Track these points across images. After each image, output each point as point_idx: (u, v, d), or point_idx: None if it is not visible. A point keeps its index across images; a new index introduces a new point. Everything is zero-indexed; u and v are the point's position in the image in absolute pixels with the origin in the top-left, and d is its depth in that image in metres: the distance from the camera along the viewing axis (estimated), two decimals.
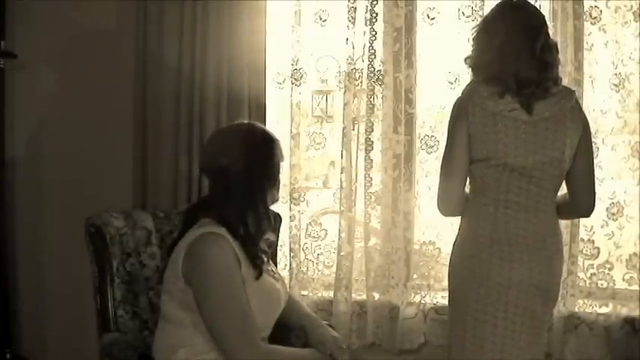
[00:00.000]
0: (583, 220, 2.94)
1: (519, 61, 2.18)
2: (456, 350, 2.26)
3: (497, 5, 2.33)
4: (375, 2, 3.00)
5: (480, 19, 2.87)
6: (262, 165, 2.20)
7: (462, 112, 2.21)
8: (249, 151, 2.18)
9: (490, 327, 2.19)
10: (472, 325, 2.20)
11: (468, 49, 2.88)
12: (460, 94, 2.28)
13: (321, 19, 3.06)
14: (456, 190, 2.24)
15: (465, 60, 2.33)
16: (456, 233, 2.35)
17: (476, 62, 2.29)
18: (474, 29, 2.33)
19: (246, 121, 2.36)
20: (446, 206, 2.30)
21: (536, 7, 2.37)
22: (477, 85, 2.24)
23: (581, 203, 2.33)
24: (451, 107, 2.28)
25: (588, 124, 2.31)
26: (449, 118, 2.28)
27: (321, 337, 2.32)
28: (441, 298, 3.08)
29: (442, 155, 2.29)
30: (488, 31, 2.25)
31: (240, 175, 2.16)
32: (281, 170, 2.28)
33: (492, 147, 2.18)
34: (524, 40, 2.20)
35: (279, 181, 2.28)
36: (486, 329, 2.19)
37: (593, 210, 2.38)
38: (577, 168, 2.26)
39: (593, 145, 2.44)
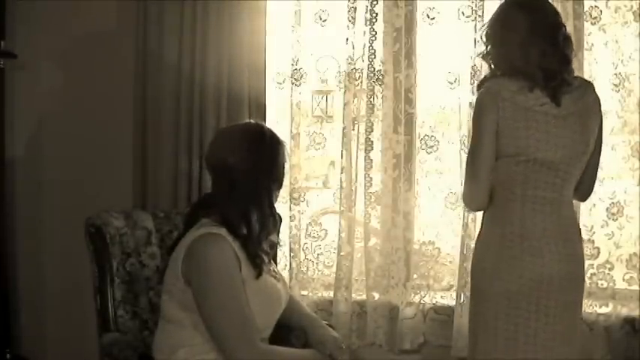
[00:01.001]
0: (583, 220, 2.93)
1: (545, 54, 2.17)
2: (485, 347, 2.24)
3: (510, 0, 2.31)
4: (375, 2, 3.00)
5: (478, 18, 2.89)
6: (269, 166, 2.20)
7: (490, 106, 2.18)
8: (256, 150, 2.18)
9: (523, 320, 2.19)
10: (505, 320, 2.20)
11: (468, 48, 2.90)
12: (482, 89, 2.25)
13: (321, 19, 3.06)
14: (484, 186, 2.22)
15: (483, 56, 2.30)
16: (479, 230, 2.35)
17: (498, 57, 2.25)
18: (485, 26, 2.31)
19: (254, 121, 2.35)
20: (474, 202, 2.30)
21: (548, 0, 2.35)
22: (501, 80, 2.21)
23: (583, 190, 2.35)
24: (476, 101, 2.25)
25: (602, 117, 2.33)
26: (474, 114, 2.26)
27: (321, 338, 2.32)
28: (441, 298, 3.09)
29: (468, 151, 2.29)
30: (508, 25, 2.22)
31: (246, 174, 2.15)
32: (285, 173, 2.29)
33: (523, 142, 2.17)
34: (547, 33, 2.19)
35: (282, 183, 2.28)
36: (519, 322, 2.19)
37: (588, 197, 2.43)
38: (591, 158, 2.28)
39: None
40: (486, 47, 2.29)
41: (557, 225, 2.23)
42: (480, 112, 2.22)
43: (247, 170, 2.16)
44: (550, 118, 2.17)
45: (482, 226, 2.34)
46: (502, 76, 2.23)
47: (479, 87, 2.31)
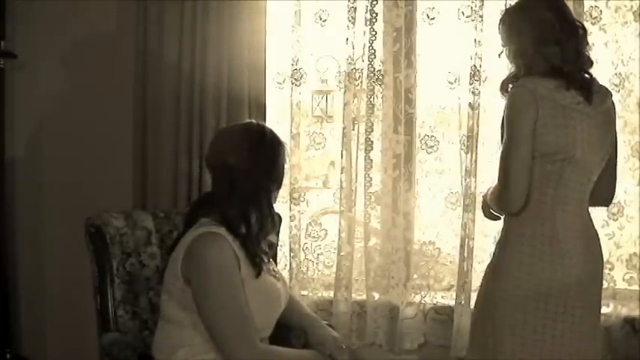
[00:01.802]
0: None
1: (579, 53, 2.19)
2: (513, 345, 2.21)
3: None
4: (375, 2, 3.00)
5: (478, 18, 2.88)
6: (269, 166, 2.20)
7: (529, 104, 2.14)
8: (257, 151, 2.18)
9: (551, 322, 2.18)
10: (532, 322, 2.19)
11: (468, 48, 2.89)
12: (517, 87, 2.19)
13: (321, 19, 3.06)
14: (524, 186, 2.16)
15: (510, 56, 2.26)
16: (503, 229, 2.29)
17: (529, 57, 2.21)
18: (504, 24, 2.27)
19: (255, 121, 2.35)
20: (513, 203, 2.19)
21: None
22: (535, 79, 2.18)
23: (603, 193, 2.35)
24: (511, 99, 2.19)
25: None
26: (509, 112, 2.18)
27: (321, 338, 2.32)
28: (441, 298, 3.08)
29: (502, 150, 2.20)
30: (539, 23, 2.19)
31: (246, 174, 2.15)
32: (285, 173, 2.29)
33: (562, 141, 2.15)
34: (575, 32, 2.21)
35: (282, 183, 2.28)
36: (548, 324, 2.18)
37: (612, 201, 2.42)
38: (609, 161, 2.29)
39: None
40: (508, 47, 2.26)
41: (581, 225, 2.24)
42: (517, 110, 2.16)
43: (247, 170, 2.16)
44: (585, 117, 2.17)
45: (506, 227, 2.28)
46: (534, 75, 2.19)
47: (503, 87, 2.27)
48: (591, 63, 2.24)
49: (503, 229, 2.31)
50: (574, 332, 2.20)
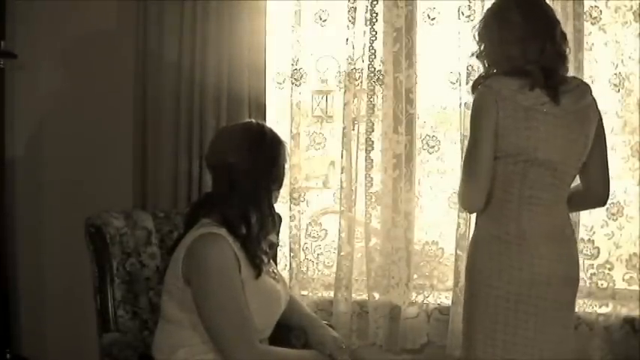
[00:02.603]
0: (583, 220, 2.94)
1: (544, 52, 2.16)
2: (484, 345, 2.22)
3: None
4: (375, 2, 3.00)
5: (479, 18, 2.88)
6: (269, 166, 2.19)
7: (489, 106, 2.14)
8: (257, 150, 2.18)
9: (522, 323, 2.18)
10: (504, 322, 2.18)
11: (469, 48, 2.88)
12: (482, 88, 2.20)
13: (321, 19, 3.06)
14: (483, 186, 2.18)
15: (478, 56, 2.28)
16: (474, 230, 2.31)
17: (496, 56, 2.23)
18: (479, 24, 2.28)
19: (254, 121, 2.35)
20: (471, 202, 2.24)
21: None
22: (501, 78, 2.18)
23: (598, 192, 2.33)
24: (474, 100, 2.21)
25: (601, 116, 2.30)
26: (472, 113, 2.21)
27: (321, 338, 2.31)
28: (444, 299, 3.08)
29: (465, 150, 2.25)
30: (505, 23, 2.20)
31: (246, 174, 2.15)
32: (286, 173, 2.29)
33: (524, 142, 2.14)
34: (545, 29, 2.18)
35: (282, 183, 2.28)
36: (519, 325, 2.17)
37: (607, 199, 2.39)
38: (594, 159, 2.26)
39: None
40: (480, 46, 2.27)
41: (553, 226, 2.21)
42: (479, 111, 2.19)
43: (247, 170, 2.15)
44: (550, 118, 2.15)
45: (476, 228, 2.31)
46: (501, 74, 2.20)
47: (474, 86, 2.27)
48: (562, 61, 2.20)
49: (474, 228, 2.32)
50: (546, 334, 2.19)
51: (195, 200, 2.56)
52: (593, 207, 2.39)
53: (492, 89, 2.16)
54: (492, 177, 2.19)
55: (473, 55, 2.32)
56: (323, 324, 2.40)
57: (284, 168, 2.26)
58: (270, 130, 2.27)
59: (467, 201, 2.26)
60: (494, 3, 2.31)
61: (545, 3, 2.28)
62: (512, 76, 2.16)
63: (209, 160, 2.28)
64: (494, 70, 2.24)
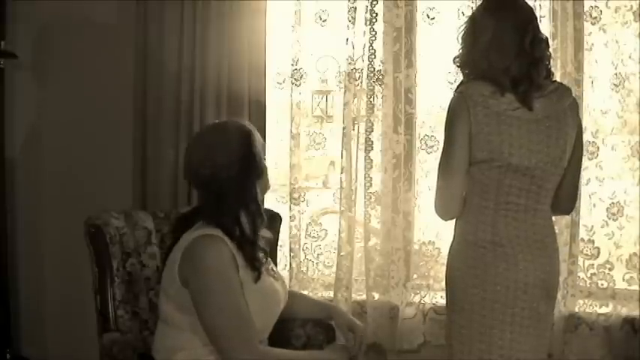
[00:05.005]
0: (583, 220, 2.94)
1: (508, 57, 2.13)
2: (461, 353, 2.22)
3: (484, 2, 2.29)
4: (375, 2, 3.00)
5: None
6: (245, 161, 2.14)
7: (462, 111, 2.13)
8: (227, 154, 2.13)
9: (498, 331, 2.16)
10: (478, 330, 2.17)
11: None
12: (455, 93, 2.21)
13: (321, 19, 3.06)
14: (457, 193, 2.18)
15: (454, 60, 2.27)
16: (453, 237, 2.29)
17: (464, 61, 2.22)
18: (461, 28, 2.26)
19: (217, 121, 2.30)
20: (446, 209, 2.24)
21: (524, 2, 2.28)
22: (474, 84, 2.17)
23: (563, 201, 2.29)
24: (449, 105, 2.20)
25: (582, 123, 2.27)
26: (446, 119, 2.20)
27: (350, 322, 2.37)
28: (441, 299, 3.07)
29: (440, 157, 2.24)
30: (475, 28, 2.19)
31: (226, 180, 2.12)
32: (264, 156, 2.22)
33: (496, 148, 2.12)
34: (512, 35, 2.14)
35: (265, 169, 2.22)
36: (494, 333, 2.16)
37: (572, 210, 2.38)
38: (568, 167, 2.22)
39: (588, 144, 2.41)
40: (459, 51, 2.25)
41: (532, 233, 2.18)
42: (452, 117, 2.17)
43: (226, 177, 2.11)
44: (523, 123, 2.13)
45: (454, 234, 2.28)
46: (476, 80, 2.18)
47: (455, 92, 2.25)
48: (536, 66, 2.15)
49: (453, 235, 2.29)
50: (521, 343, 2.17)
51: (184, 212, 2.41)
52: (557, 214, 2.36)
53: (464, 95, 2.15)
54: (469, 183, 2.17)
55: (454, 59, 2.28)
56: (341, 309, 2.51)
57: (260, 154, 2.19)
58: (234, 126, 2.23)
59: (441, 208, 2.24)
60: (475, 8, 2.30)
61: (521, 7, 2.23)
62: (486, 81, 2.14)
63: (187, 177, 2.24)
64: (472, 76, 2.22)
